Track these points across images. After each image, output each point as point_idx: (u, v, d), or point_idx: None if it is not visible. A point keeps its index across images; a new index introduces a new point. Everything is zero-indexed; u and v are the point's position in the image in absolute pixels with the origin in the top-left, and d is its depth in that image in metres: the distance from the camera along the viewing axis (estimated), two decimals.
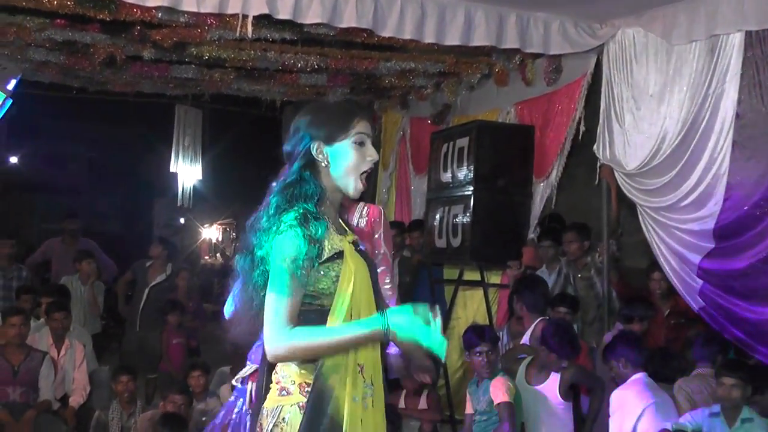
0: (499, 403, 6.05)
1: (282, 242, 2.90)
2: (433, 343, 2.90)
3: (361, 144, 3.06)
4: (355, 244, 3.12)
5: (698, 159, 5.93)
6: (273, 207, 3.01)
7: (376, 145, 11.54)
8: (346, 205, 3.38)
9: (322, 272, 2.95)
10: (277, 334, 2.86)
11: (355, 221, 4.81)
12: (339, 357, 2.92)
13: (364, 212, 4.86)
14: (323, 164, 3.05)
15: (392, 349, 4.26)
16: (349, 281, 2.95)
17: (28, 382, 7.39)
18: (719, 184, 5.79)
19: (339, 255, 2.97)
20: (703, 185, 5.91)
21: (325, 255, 2.96)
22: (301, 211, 2.95)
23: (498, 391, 6.07)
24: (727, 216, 5.77)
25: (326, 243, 2.97)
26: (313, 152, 3.04)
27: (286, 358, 2.94)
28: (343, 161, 3.05)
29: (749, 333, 5.81)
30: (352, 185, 3.07)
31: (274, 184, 3.09)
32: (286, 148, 3.13)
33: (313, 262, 2.92)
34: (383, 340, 2.92)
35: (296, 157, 3.06)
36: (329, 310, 2.93)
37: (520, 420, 6.25)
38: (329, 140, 3.04)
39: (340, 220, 3.18)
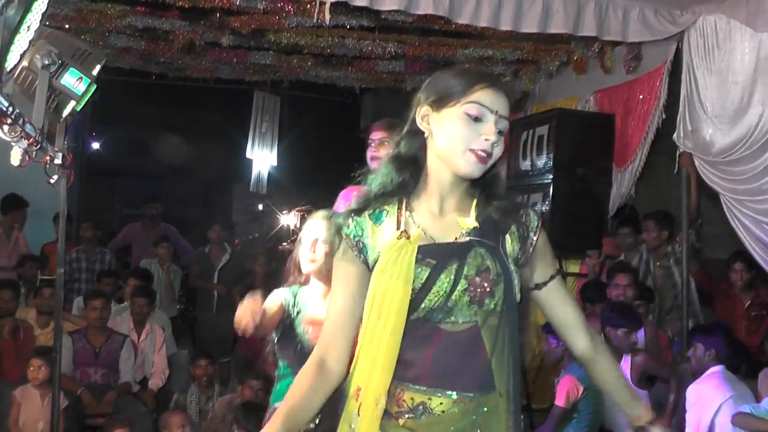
0: (554, 404, 6.17)
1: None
2: None
3: (476, 118, 2.43)
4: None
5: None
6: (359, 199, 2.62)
7: None
8: None
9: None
10: None
11: None
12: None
13: None
14: (425, 134, 2.53)
15: None
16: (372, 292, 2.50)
17: (109, 364, 7.60)
18: None
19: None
20: None
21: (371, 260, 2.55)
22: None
23: (561, 391, 6.17)
24: None
25: (369, 242, 2.55)
26: (417, 118, 2.55)
27: None
28: (448, 132, 2.46)
29: None
30: (458, 163, 2.46)
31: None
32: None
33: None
34: None
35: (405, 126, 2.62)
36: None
37: (598, 419, 6.30)
38: (438, 105, 2.49)
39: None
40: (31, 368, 6.76)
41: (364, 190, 2.63)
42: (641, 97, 7.60)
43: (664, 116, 7.24)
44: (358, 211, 2.59)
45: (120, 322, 8.07)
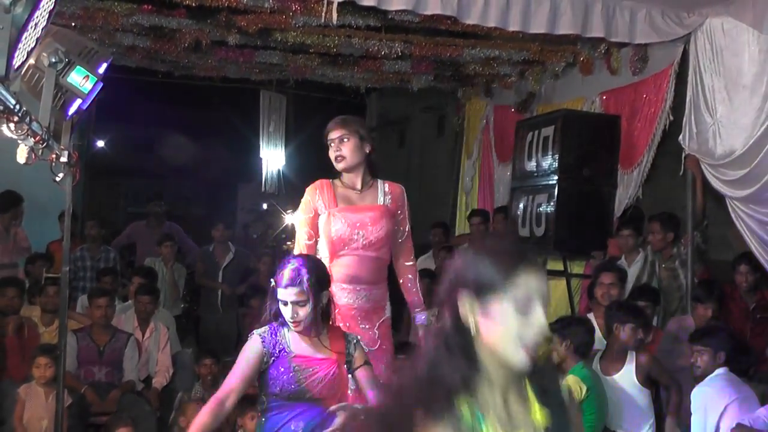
0: None
1: None
2: None
3: (526, 308, 2.16)
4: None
5: None
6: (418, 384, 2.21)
7: (459, 135, 11.69)
8: None
9: None
10: None
11: (380, 198, 4.89)
12: None
13: (386, 189, 4.91)
14: (472, 329, 2.19)
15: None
16: None
17: (113, 362, 7.62)
18: None
19: None
20: None
21: None
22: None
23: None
24: None
25: None
26: (462, 309, 2.20)
27: None
28: (498, 330, 2.17)
29: None
30: (514, 360, 2.17)
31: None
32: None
33: None
34: None
35: (445, 312, 2.26)
36: None
37: (600, 419, 6.31)
38: (481, 298, 2.18)
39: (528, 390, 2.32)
40: (37, 366, 6.77)
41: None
42: (647, 98, 7.59)
43: (671, 118, 7.23)
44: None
45: (124, 321, 8.08)
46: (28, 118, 3.78)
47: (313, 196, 4.92)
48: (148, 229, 10.85)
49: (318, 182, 4.96)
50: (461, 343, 2.20)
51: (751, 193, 6.09)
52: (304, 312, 3.74)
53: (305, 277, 3.74)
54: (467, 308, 2.19)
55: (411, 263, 4.98)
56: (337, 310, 4.71)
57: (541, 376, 2.32)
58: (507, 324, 2.16)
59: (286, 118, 13.21)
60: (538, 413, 2.26)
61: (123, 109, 15.33)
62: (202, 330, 10.12)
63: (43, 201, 9.20)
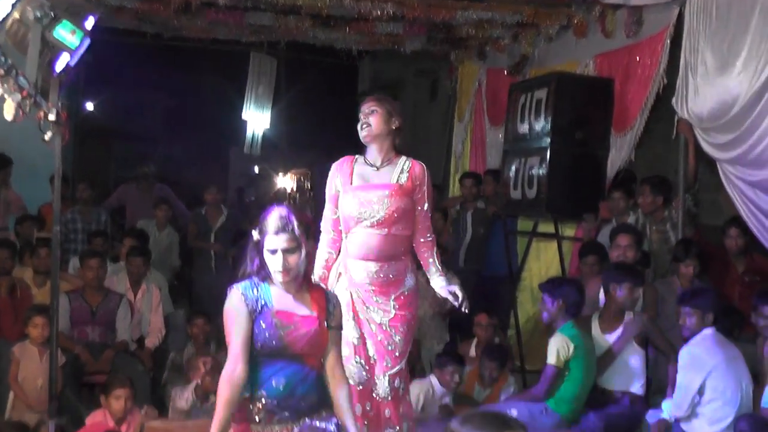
0: (546, 364, 6.24)
1: None
2: None
3: None
4: None
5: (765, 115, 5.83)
6: None
7: (451, 98, 11.66)
8: None
9: None
10: None
11: (395, 177, 4.88)
12: None
13: (405, 167, 4.92)
14: None
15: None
16: None
17: (105, 322, 7.62)
18: None
19: None
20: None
21: None
22: None
23: (552, 350, 6.26)
24: None
25: None
26: None
27: None
28: None
29: None
30: None
31: None
32: None
33: None
34: None
35: None
36: None
37: (589, 378, 6.36)
38: None
39: None
40: (34, 326, 6.77)
41: None
42: (641, 61, 7.55)
43: (665, 82, 7.20)
44: None
45: (116, 282, 8.08)
46: (14, 72, 3.74)
47: (334, 173, 4.97)
48: (138, 192, 10.86)
49: (342, 159, 5.01)
50: None
51: (739, 154, 6.06)
52: (294, 260, 3.65)
53: (294, 224, 3.67)
54: None
55: (426, 239, 4.97)
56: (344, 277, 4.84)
57: None
58: None
59: (276, 81, 13.16)
60: None
61: (112, 71, 15.22)
62: (195, 291, 10.15)
63: (34, 164, 9.17)
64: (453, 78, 11.63)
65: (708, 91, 6.44)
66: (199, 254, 10.29)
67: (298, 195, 13.72)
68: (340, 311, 3.93)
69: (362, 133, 4.92)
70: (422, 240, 4.97)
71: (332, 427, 3.64)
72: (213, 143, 18.95)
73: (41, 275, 7.77)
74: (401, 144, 5.00)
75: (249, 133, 13.36)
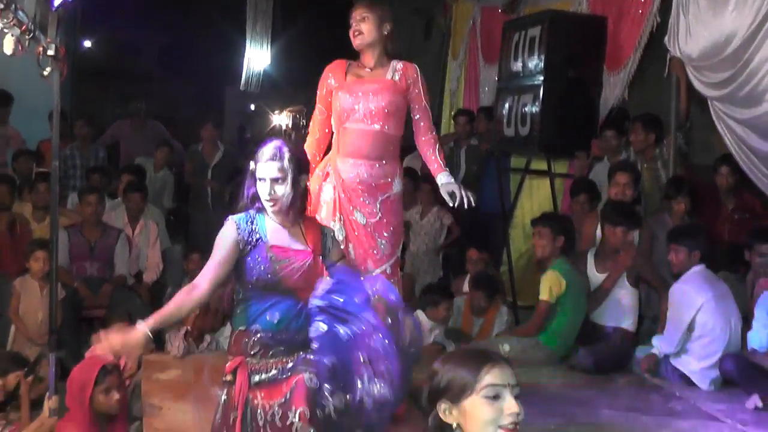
0: (539, 299, 6.32)
1: None
2: None
3: (495, 397, 2.42)
4: None
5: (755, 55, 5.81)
6: None
7: (446, 37, 11.60)
8: None
9: None
10: None
11: (389, 75, 4.91)
12: None
13: (398, 67, 4.93)
14: (454, 426, 2.47)
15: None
16: None
17: (104, 258, 7.70)
18: None
19: None
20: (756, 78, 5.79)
21: None
22: None
23: (544, 286, 6.33)
24: None
25: None
26: (441, 415, 2.49)
27: None
28: (476, 422, 2.42)
29: None
30: None
31: None
32: None
33: None
34: None
35: (428, 420, 2.55)
36: None
37: (580, 314, 6.45)
38: (455, 399, 2.46)
39: None
40: (35, 260, 6.83)
41: None
42: (636, 0, 7.53)
43: (658, 20, 7.18)
44: None
45: (115, 218, 8.13)
46: (13, 6, 3.75)
47: (326, 74, 4.98)
48: (131, 128, 10.87)
49: (334, 62, 5.02)
50: None
51: (731, 91, 6.03)
52: (281, 189, 3.66)
53: (286, 155, 3.68)
54: (446, 412, 2.47)
55: (428, 137, 4.96)
56: (340, 183, 4.82)
57: None
58: (482, 417, 2.40)
59: (273, 19, 13.07)
60: None
61: (109, 9, 15.11)
62: (192, 227, 10.18)
63: (32, 101, 9.13)
64: (447, 16, 11.59)
65: (700, 30, 6.40)
66: (195, 191, 10.29)
67: (293, 132, 13.71)
68: (338, 243, 3.96)
69: (355, 41, 4.92)
70: (424, 138, 4.97)
71: (326, 361, 3.62)
72: (210, 81, 18.87)
73: (40, 210, 7.82)
74: (393, 48, 5.00)
75: (246, 70, 13.29)
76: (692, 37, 6.48)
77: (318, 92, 5.00)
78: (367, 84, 4.87)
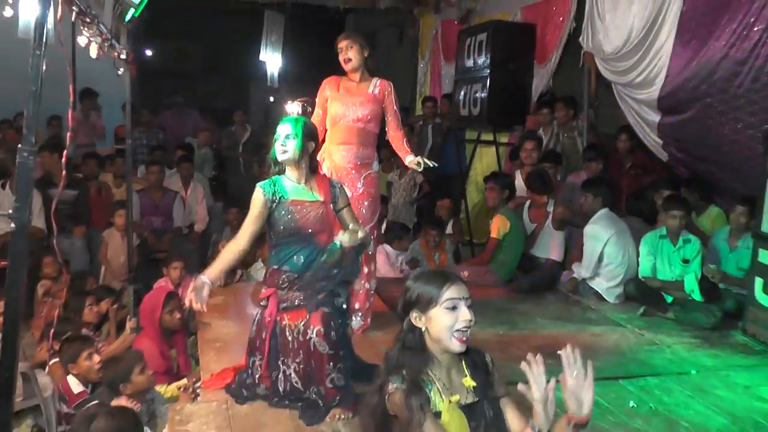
0: (490, 237, 6.27)
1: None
2: None
3: (453, 308, 2.46)
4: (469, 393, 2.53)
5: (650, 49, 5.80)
6: (388, 366, 2.52)
7: (415, 43, 11.49)
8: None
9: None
10: None
11: (370, 89, 4.83)
12: None
13: (377, 83, 4.85)
14: (423, 329, 2.51)
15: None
16: None
17: (165, 213, 7.61)
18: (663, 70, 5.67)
19: (438, 415, 2.43)
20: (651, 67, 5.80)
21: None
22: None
23: (494, 226, 6.29)
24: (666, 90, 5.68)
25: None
26: (413, 321, 2.53)
27: None
28: (438, 326, 2.46)
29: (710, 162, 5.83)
30: (449, 343, 2.46)
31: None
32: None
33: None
34: None
35: (403, 323, 2.59)
36: None
37: (520, 247, 6.41)
38: (423, 309, 2.49)
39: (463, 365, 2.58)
40: (119, 216, 6.77)
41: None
42: (556, 10, 7.52)
43: (574, 24, 7.13)
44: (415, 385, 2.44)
45: (172, 183, 8.01)
46: (96, 21, 3.67)
47: (324, 86, 4.92)
48: (173, 116, 10.74)
49: (330, 77, 4.95)
50: (416, 340, 2.51)
51: (631, 78, 6.04)
52: (291, 144, 3.58)
53: (299, 121, 3.64)
54: (417, 319, 2.51)
55: (397, 131, 4.91)
56: (333, 166, 4.76)
57: (473, 356, 2.57)
58: (443, 323, 2.45)
59: (284, 32, 12.93)
60: (469, 380, 2.52)
61: (164, 25, 14.90)
62: (229, 189, 10.06)
63: (110, 96, 9.10)
64: (416, 27, 11.50)
65: (606, 29, 6.36)
66: (231, 161, 10.25)
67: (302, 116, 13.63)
68: (345, 193, 3.88)
69: (347, 67, 4.83)
70: (393, 133, 4.93)
71: (341, 291, 3.63)
72: (239, 79, 18.73)
73: (118, 179, 7.72)
74: (373, 66, 4.93)
75: (269, 71, 13.22)
76: (600, 36, 6.43)
77: (318, 98, 4.93)
78: (355, 96, 4.81)
